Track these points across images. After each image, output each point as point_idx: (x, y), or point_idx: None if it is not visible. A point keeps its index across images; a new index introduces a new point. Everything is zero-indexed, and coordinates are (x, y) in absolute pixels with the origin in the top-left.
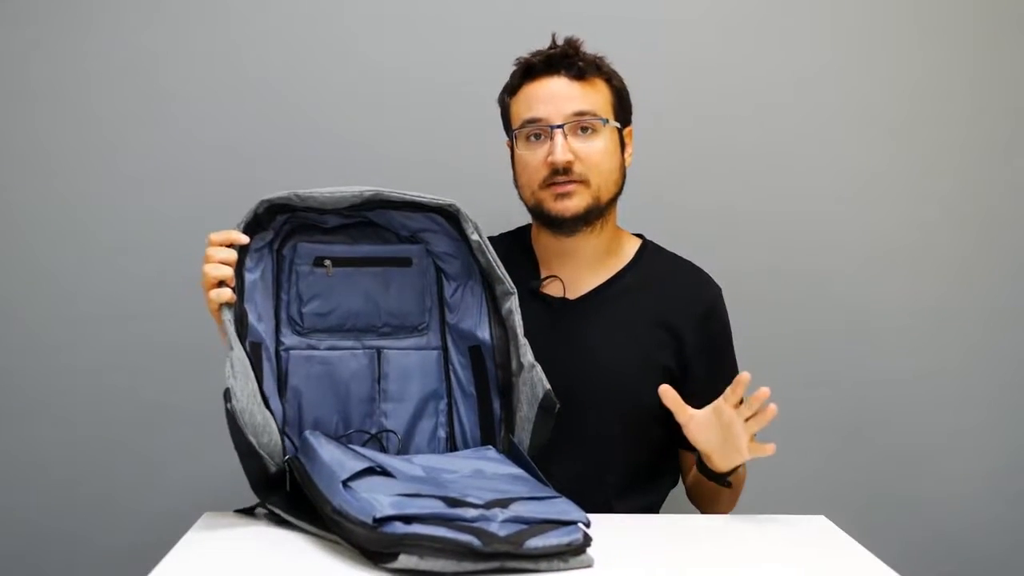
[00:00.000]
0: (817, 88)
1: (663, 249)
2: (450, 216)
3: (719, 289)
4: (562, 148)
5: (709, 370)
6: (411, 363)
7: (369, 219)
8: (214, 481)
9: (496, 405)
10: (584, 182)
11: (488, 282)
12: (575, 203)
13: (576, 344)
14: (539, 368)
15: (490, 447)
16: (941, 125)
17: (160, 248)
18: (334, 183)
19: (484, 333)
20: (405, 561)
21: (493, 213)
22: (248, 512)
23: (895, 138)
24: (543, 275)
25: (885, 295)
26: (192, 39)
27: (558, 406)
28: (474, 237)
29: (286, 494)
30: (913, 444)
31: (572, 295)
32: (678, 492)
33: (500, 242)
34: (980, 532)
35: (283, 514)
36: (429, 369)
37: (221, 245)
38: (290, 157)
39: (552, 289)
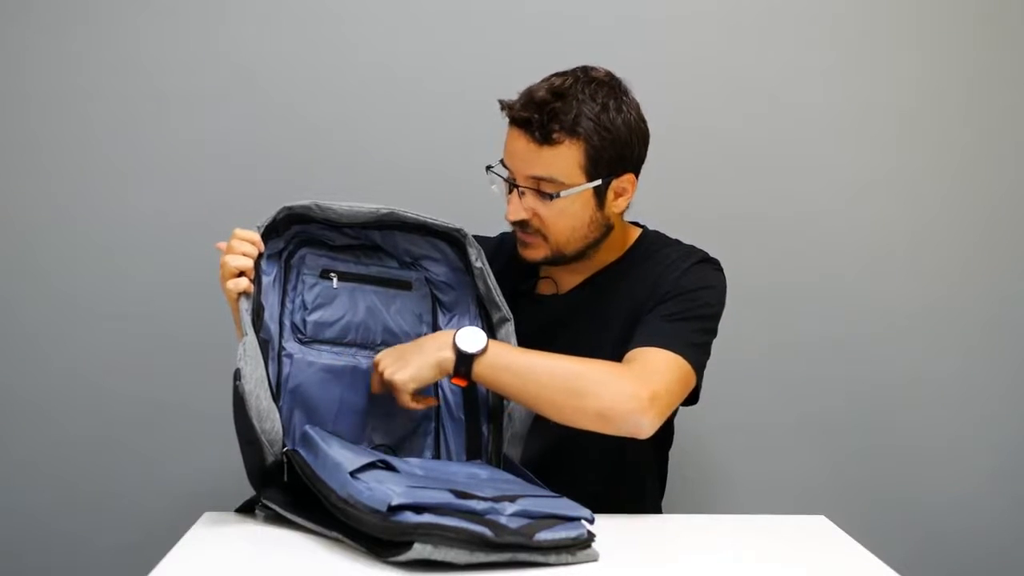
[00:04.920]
0: (817, 89)
1: (661, 236)
2: (453, 242)
3: (704, 258)
4: (515, 208)
5: (647, 315)
6: None
7: (375, 242)
8: (214, 481)
9: (484, 429)
10: (542, 236)
11: (486, 309)
12: (534, 253)
13: (564, 336)
14: None
15: (479, 460)
16: (941, 125)
17: (160, 248)
18: (334, 186)
19: None
20: (419, 550)
21: (491, 216)
22: (248, 511)
23: (896, 139)
24: (542, 275)
25: (885, 295)
26: (191, 41)
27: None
28: (477, 264)
29: (282, 488)
30: (913, 444)
31: (563, 290)
32: (679, 493)
33: (505, 241)
34: (980, 532)
35: (281, 510)
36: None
37: (244, 241)
38: (289, 160)
39: (545, 288)
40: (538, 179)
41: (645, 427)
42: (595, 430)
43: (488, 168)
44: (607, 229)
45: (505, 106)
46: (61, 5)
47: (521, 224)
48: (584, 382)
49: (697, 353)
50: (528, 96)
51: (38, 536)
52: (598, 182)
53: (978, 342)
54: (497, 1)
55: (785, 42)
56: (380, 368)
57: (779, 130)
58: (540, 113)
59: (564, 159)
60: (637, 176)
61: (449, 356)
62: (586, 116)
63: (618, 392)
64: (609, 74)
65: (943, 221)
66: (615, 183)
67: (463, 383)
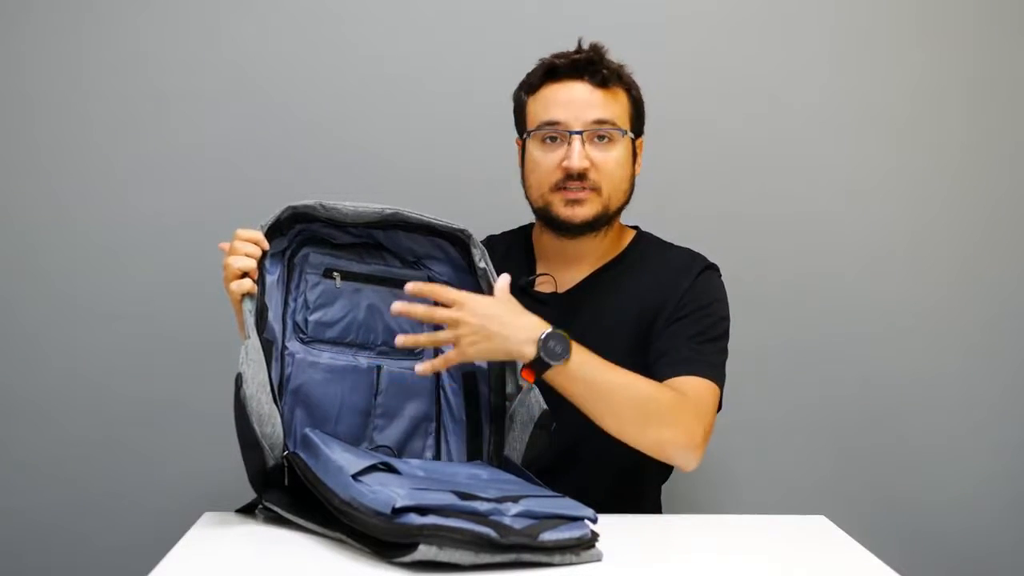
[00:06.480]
0: (817, 89)
1: (657, 239)
2: (457, 242)
3: (708, 265)
4: (579, 154)
5: (667, 330)
6: (406, 383)
7: (378, 241)
8: (214, 481)
9: (486, 430)
10: (596, 190)
11: None
12: (585, 210)
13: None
14: (536, 390)
15: (479, 461)
16: (942, 126)
17: (160, 248)
18: (334, 187)
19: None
20: (424, 552)
21: (491, 215)
22: (248, 511)
23: (896, 139)
24: (540, 271)
25: (886, 295)
26: (191, 41)
27: (554, 425)
28: (481, 265)
29: (283, 491)
30: (913, 444)
31: (562, 289)
32: (679, 493)
33: (501, 240)
34: (980, 532)
35: (282, 512)
36: (422, 391)
37: (247, 241)
38: (289, 160)
39: (544, 286)
40: (601, 122)
41: (693, 463)
42: (647, 453)
43: (540, 127)
44: (630, 195)
45: (552, 63)
46: (61, 5)
47: (579, 177)
48: (651, 410)
49: (723, 375)
50: (577, 48)
51: (38, 536)
52: (633, 136)
53: (978, 342)
54: (497, 2)
55: (785, 42)
56: (451, 332)
57: (779, 130)
58: (597, 56)
59: (619, 104)
60: None
61: (531, 352)
62: (626, 71)
63: (680, 427)
64: None
65: (943, 221)
66: (636, 143)
67: (531, 379)
